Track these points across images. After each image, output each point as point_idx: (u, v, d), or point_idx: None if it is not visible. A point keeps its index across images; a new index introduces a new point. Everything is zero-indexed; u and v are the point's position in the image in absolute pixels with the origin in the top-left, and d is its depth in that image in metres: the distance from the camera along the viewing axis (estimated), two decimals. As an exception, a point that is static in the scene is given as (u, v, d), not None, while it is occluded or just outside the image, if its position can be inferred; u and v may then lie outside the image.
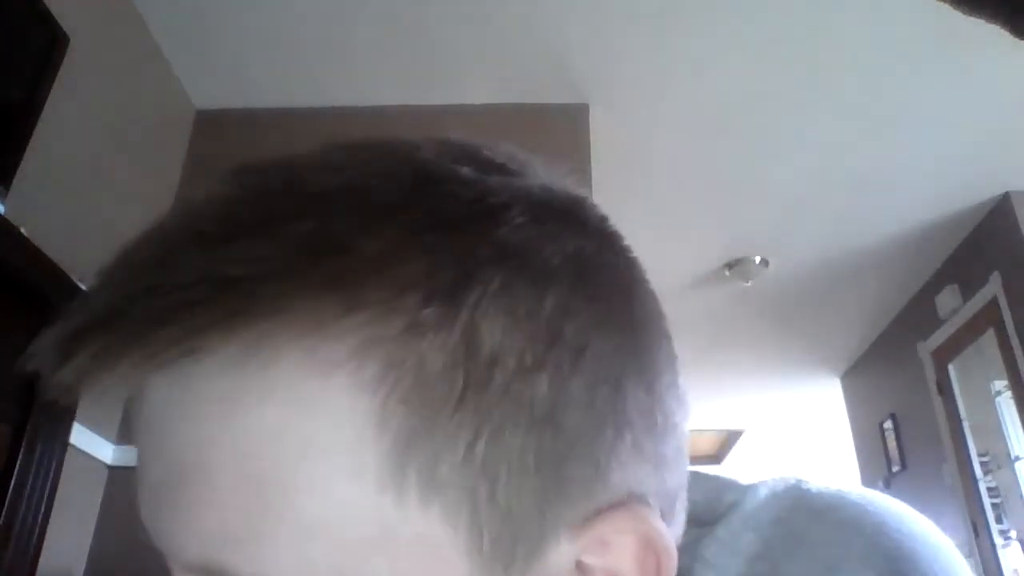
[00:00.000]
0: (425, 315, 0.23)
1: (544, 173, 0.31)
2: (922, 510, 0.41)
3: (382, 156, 0.29)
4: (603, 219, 0.32)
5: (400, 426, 0.23)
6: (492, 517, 0.24)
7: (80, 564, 2.25)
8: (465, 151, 0.30)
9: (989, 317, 3.82)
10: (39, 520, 1.64)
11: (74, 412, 1.81)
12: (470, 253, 0.25)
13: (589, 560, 0.26)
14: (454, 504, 0.24)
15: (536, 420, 0.24)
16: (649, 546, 0.27)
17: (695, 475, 0.38)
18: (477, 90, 2.86)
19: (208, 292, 0.24)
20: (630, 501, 0.27)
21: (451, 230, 0.25)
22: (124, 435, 2.44)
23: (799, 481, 0.41)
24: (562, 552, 0.26)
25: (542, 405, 0.24)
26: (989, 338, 3.87)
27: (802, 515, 0.39)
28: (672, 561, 0.27)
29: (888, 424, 5.00)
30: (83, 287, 1.79)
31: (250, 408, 0.24)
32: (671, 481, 0.30)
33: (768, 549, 0.37)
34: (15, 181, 1.85)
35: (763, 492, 0.40)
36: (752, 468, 6.35)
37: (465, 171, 0.28)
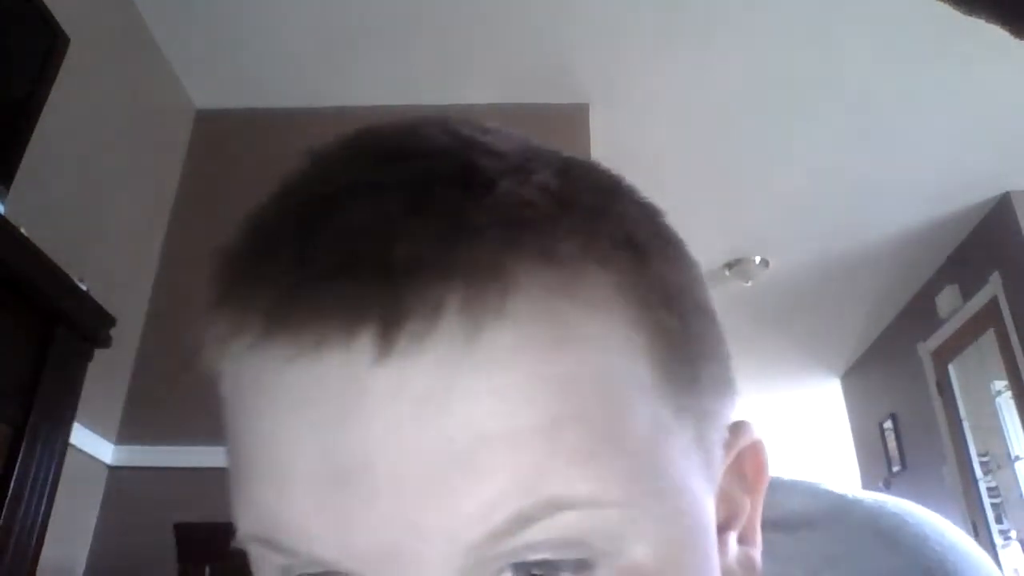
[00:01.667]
0: (657, 267, 0.28)
1: None
2: (922, 510, 0.41)
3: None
4: None
5: (658, 358, 0.27)
6: (707, 427, 0.29)
7: (80, 564, 2.25)
8: None
9: (989, 317, 3.82)
10: (39, 520, 1.64)
11: (74, 412, 1.81)
12: (653, 219, 0.31)
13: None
14: (686, 412, 0.28)
15: (715, 348, 0.31)
16: (758, 454, 0.32)
17: None
18: (477, 90, 2.86)
19: (509, 234, 0.25)
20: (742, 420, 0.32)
21: (636, 201, 0.31)
22: (124, 435, 2.44)
23: (830, 485, 0.41)
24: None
25: (715, 337, 0.31)
26: (989, 338, 3.87)
27: (840, 524, 0.38)
28: (766, 474, 0.32)
29: (888, 424, 5.00)
30: (83, 287, 1.80)
31: (571, 346, 0.25)
32: None
33: (802, 554, 0.37)
34: (15, 181, 1.85)
35: (796, 496, 0.40)
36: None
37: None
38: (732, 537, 0.31)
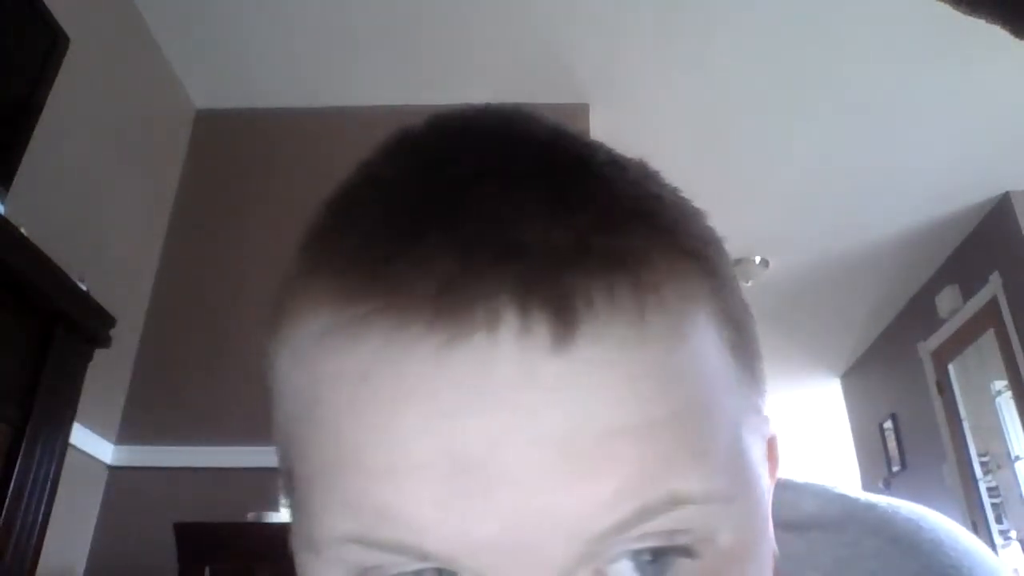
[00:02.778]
0: (724, 263, 0.29)
1: None
2: (922, 510, 0.41)
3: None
4: None
5: (735, 353, 0.28)
6: (760, 420, 0.30)
7: (80, 564, 2.25)
8: None
9: (989, 317, 3.82)
10: (39, 520, 1.64)
11: (74, 412, 1.81)
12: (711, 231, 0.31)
13: None
14: (751, 405, 0.29)
15: (759, 345, 0.31)
16: (774, 449, 0.32)
17: None
18: (477, 90, 2.86)
19: (649, 225, 0.26)
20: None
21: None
22: (124, 435, 2.44)
23: (843, 489, 0.41)
24: None
25: (757, 335, 0.31)
26: (989, 338, 3.87)
27: (854, 527, 0.38)
28: (777, 469, 0.32)
29: (888, 424, 5.00)
30: (83, 287, 1.80)
31: (685, 339, 0.26)
32: None
33: (814, 555, 0.37)
34: (15, 181, 1.85)
35: (808, 498, 0.40)
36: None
37: None
38: None
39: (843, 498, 0.41)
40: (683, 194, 0.30)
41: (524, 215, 0.24)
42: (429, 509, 0.23)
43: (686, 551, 0.24)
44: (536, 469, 0.23)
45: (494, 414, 0.23)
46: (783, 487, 0.39)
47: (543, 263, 0.23)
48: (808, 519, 0.39)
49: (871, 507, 0.40)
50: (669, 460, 0.24)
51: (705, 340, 0.26)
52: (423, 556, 0.23)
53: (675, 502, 0.24)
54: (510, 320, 0.23)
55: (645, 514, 0.23)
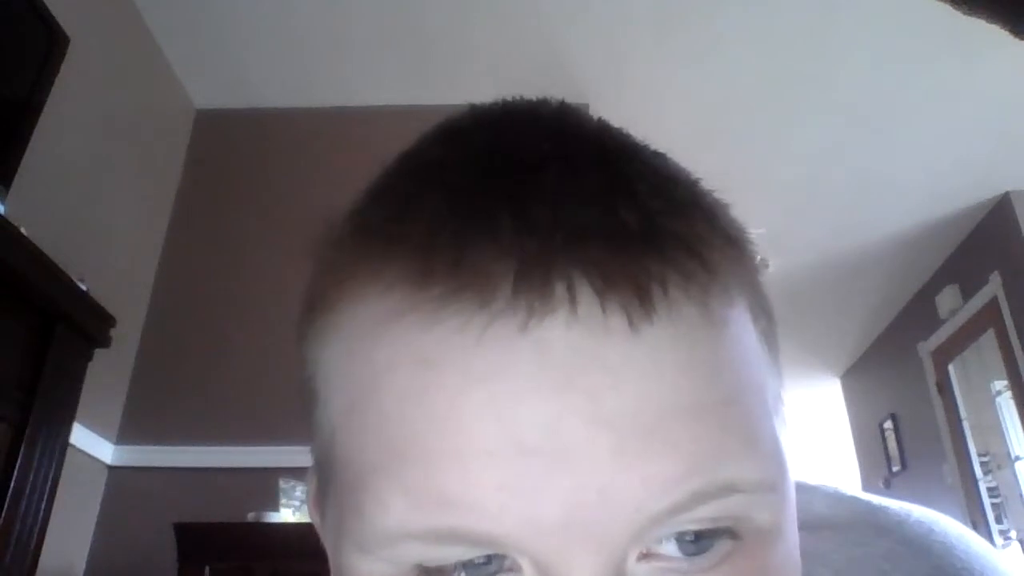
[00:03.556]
0: (751, 254, 0.29)
1: None
2: (922, 510, 0.41)
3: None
4: None
5: (767, 342, 0.29)
6: (782, 406, 0.30)
7: (80, 564, 2.25)
8: None
9: (989, 317, 3.82)
10: (39, 520, 1.64)
11: (74, 412, 1.81)
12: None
13: None
14: (779, 393, 0.30)
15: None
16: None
17: None
18: (477, 90, 2.85)
19: (709, 213, 0.27)
20: None
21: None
22: (124, 435, 2.44)
23: (854, 491, 0.41)
24: None
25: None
26: (989, 338, 3.87)
27: (866, 528, 0.38)
28: None
29: (888, 424, 5.00)
30: (83, 287, 1.80)
31: (733, 325, 0.26)
32: None
33: (825, 554, 0.37)
34: (15, 181, 1.85)
35: (820, 499, 0.40)
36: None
37: None
38: None
39: (855, 500, 0.41)
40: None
41: (590, 199, 0.25)
42: (493, 493, 0.23)
43: (730, 532, 0.25)
44: (596, 450, 0.23)
45: (558, 395, 0.23)
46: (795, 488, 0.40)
47: (616, 246, 0.24)
48: (819, 519, 0.39)
49: (882, 509, 0.40)
50: (723, 445, 0.24)
51: (747, 327, 0.27)
52: (487, 542, 0.23)
53: (729, 490, 0.24)
54: (587, 302, 0.23)
55: (699, 499, 0.23)
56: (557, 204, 0.24)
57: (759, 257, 0.31)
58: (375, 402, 0.25)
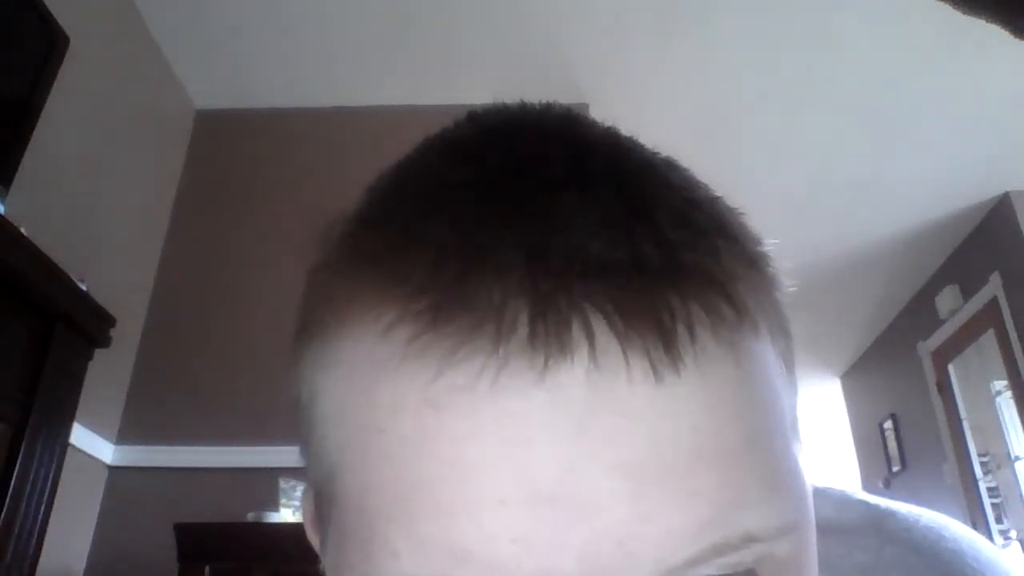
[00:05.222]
0: (770, 272, 0.29)
1: None
2: (922, 510, 0.41)
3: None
4: None
5: (786, 367, 0.28)
6: (798, 421, 0.29)
7: (80, 564, 2.25)
8: None
9: (989, 317, 3.82)
10: (39, 520, 1.64)
11: (74, 412, 1.81)
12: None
13: None
14: (797, 416, 0.29)
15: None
16: None
17: None
18: (477, 90, 2.86)
19: (730, 240, 0.26)
20: None
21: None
22: (124, 435, 2.44)
23: (863, 495, 0.41)
24: None
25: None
26: (989, 338, 3.87)
27: (874, 534, 0.38)
28: None
29: (888, 424, 5.00)
30: (83, 287, 1.80)
31: (766, 357, 0.26)
32: None
33: (833, 561, 0.37)
34: (15, 181, 1.85)
35: (828, 503, 0.40)
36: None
37: None
38: None
39: (864, 504, 0.40)
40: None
41: (606, 228, 0.23)
42: (508, 546, 0.21)
43: (749, 572, 0.23)
44: (614, 499, 0.21)
45: (573, 442, 0.21)
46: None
47: (636, 283, 0.22)
48: (827, 524, 0.38)
49: (892, 514, 0.39)
50: (744, 491, 0.23)
51: (769, 355, 0.26)
52: None
53: (749, 540, 0.23)
54: (607, 348, 0.22)
55: (719, 551, 0.22)
56: (569, 234, 0.23)
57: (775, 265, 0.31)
58: (379, 444, 0.23)
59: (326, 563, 0.27)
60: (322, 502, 0.27)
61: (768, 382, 0.25)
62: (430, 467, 0.22)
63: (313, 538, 0.31)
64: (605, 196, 0.24)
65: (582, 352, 0.22)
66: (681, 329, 0.22)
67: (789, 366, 0.28)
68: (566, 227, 0.23)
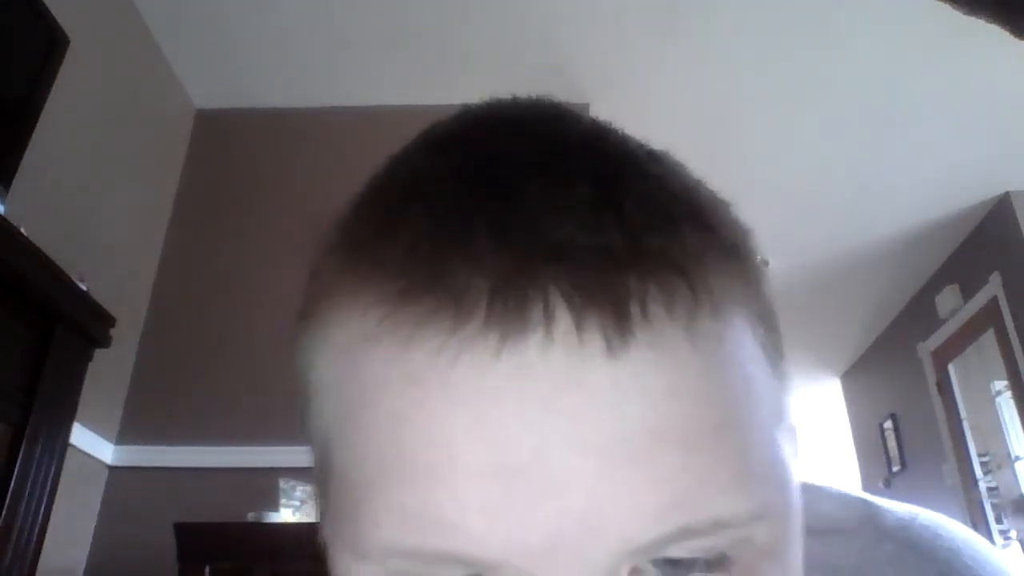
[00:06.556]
0: (754, 259, 0.29)
1: None
2: (922, 510, 0.41)
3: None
4: None
5: (771, 354, 0.28)
6: (789, 414, 0.30)
7: (80, 564, 2.25)
8: None
9: (989, 317, 3.82)
10: (39, 520, 1.64)
11: (74, 412, 1.81)
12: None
13: None
14: (784, 403, 0.30)
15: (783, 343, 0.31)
16: (795, 440, 0.32)
17: None
18: (477, 90, 2.84)
19: (702, 226, 0.26)
20: None
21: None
22: (124, 435, 2.44)
23: (861, 494, 0.41)
24: None
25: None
26: (989, 338, 3.87)
27: (872, 533, 0.38)
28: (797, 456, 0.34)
29: (888, 424, 5.00)
30: (83, 287, 1.80)
31: (738, 343, 0.26)
32: None
33: (829, 559, 0.37)
34: (15, 181, 1.85)
35: (826, 501, 0.40)
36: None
37: None
38: None
39: (861, 502, 0.40)
40: (710, 184, 0.30)
41: (574, 215, 0.24)
42: (479, 515, 0.23)
43: (721, 558, 0.24)
44: (581, 477, 0.22)
45: (541, 419, 0.22)
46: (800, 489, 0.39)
47: (596, 265, 0.23)
48: (825, 522, 0.39)
49: (889, 512, 0.40)
50: (714, 476, 0.23)
51: (744, 343, 0.26)
52: (473, 563, 0.23)
53: (718, 526, 0.23)
54: (563, 323, 0.23)
55: (687, 534, 0.23)
56: (538, 220, 0.24)
57: (759, 257, 0.31)
58: (366, 417, 0.25)
59: (324, 535, 0.28)
60: (320, 475, 0.29)
61: (740, 368, 0.25)
62: (410, 439, 0.23)
63: (318, 513, 0.33)
64: (578, 185, 0.25)
65: (538, 330, 0.22)
66: (634, 305, 0.23)
67: (773, 356, 0.28)
68: (535, 213, 0.24)
